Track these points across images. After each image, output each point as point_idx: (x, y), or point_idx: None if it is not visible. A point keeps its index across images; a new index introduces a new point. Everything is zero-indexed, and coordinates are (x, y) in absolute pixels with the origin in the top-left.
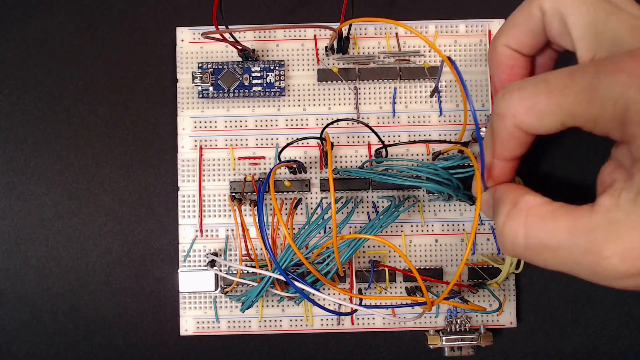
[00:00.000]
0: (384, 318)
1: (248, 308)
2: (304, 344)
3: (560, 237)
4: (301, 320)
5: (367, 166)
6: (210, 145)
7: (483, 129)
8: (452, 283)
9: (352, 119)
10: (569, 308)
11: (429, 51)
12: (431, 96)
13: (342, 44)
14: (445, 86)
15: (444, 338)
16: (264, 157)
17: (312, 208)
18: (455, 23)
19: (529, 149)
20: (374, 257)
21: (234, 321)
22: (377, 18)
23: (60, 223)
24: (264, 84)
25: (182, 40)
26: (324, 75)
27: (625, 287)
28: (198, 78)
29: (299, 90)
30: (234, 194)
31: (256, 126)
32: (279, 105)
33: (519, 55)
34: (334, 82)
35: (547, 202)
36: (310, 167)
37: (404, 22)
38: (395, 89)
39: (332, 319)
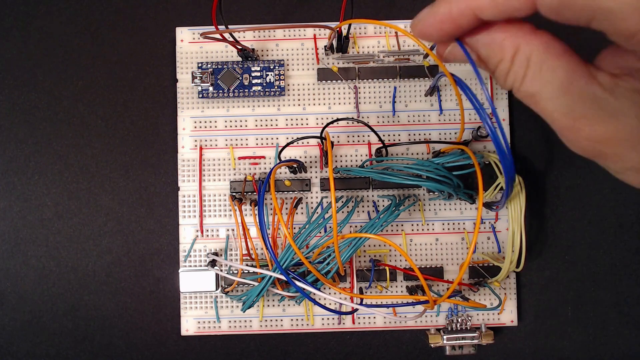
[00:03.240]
0: (384, 317)
1: (249, 308)
2: (304, 343)
3: (551, 91)
4: (302, 319)
5: (367, 165)
6: (210, 145)
7: (482, 130)
8: (455, 282)
9: (352, 118)
10: (569, 308)
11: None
12: (426, 95)
13: (341, 43)
14: (445, 85)
15: (445, 337)
16: (264, 157)
17: (312, 207)
18: None
19: None
20: (375, 256)
21: (235, 321)
22: (375, 20)
23: (60, 223)
24: (264, 84)
25: (182, 40)
26: (324, 75)
27: (580, 153)
28: (198, 78)
29: (298, 89)
30: (234, 194)
31: (256, 126)
32: (279, 105)
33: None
34: (334, 81)
35: (550, 42)
36: (311, 167)
37: (403, 23)
38: (395, 88)
39: (333, 319)
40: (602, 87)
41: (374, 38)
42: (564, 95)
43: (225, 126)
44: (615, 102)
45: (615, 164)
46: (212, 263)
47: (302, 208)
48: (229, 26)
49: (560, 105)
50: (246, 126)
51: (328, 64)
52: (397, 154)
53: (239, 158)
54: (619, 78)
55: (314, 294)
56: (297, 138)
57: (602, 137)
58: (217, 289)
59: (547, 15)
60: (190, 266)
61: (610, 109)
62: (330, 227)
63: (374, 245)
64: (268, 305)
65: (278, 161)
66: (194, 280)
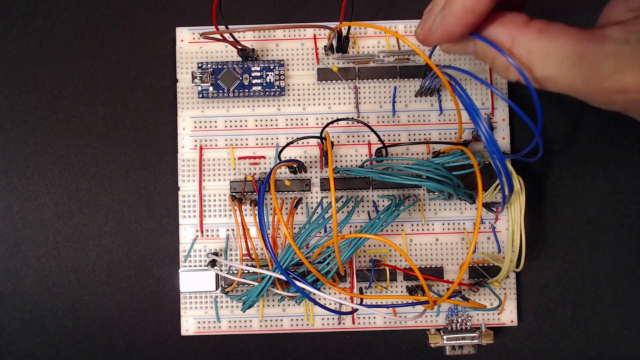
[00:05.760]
0: (384, 317)
1: (249, 308)
2: (304, 343)
3: (566, 67)
4: (302, 319)
5: (367, 165)
6: (210, 145)
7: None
8: (455, 283)
9: (352, 118)
10: (569, 308)
11: (429, 50)
12: (416, 95)
13: (341, 44)
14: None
15: (445, 337)
16: (264, 157)
17: (312, 207)
18: None
19: None
20: (375, 256)
21: (235, 321)
22: (372, 25)
23: (60, 223)
24: (264, 84)
25: (182, 40)
26: (324, 75)
27: (617, 110)
28: (198, 78)
29: (298, 89)
30: (234, 194)
31: (256, 126)
32: (279, 105)
33: None
34: (334, 81)
35: (547, 23)
36: (311, 167)
37: (403, 23)
38: (395, 88)
39: (333, 319)
40: (615, 41)
41: (374, 38)
42: (580, 65)
43: (225, 126)
44: (633, 48)
45: None
46: (212, 263)
47: (302, 208)
48: (229, 26)
49: (580, 76)
50: (246, 126)
51: (328, 64)
52: (397, 154)
53: (239, 158)
54: (630, 24)
55: (314, 294)
56: (297, 138)
57: (633, 85)
58: (217, 289)
59: None
60: (190, 266)
61: (630, 57)
62: (330, 227)
63: (374, 245)
64: (268, 305)
65: (278, 161)
66: (194, 280)
